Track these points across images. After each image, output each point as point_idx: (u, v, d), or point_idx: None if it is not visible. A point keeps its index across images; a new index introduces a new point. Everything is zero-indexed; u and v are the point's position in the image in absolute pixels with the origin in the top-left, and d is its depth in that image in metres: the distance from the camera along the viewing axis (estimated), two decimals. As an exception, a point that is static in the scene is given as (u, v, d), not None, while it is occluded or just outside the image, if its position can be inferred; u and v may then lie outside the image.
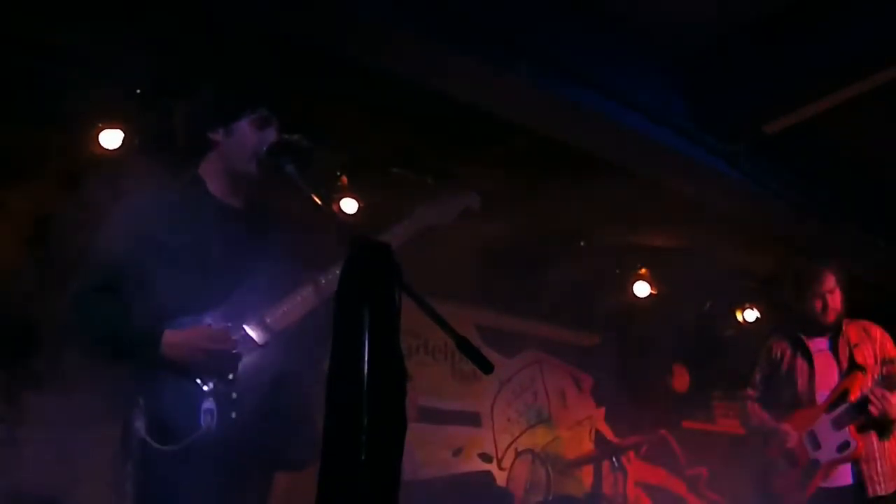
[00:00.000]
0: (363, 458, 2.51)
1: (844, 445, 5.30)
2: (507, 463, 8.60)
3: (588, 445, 9.19)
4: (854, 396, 5.33)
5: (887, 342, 5.58)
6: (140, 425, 3.16)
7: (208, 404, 3.19)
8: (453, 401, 8.40)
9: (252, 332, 3.35)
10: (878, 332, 5.62)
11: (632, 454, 8.65)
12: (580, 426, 9.32)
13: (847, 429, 5.31)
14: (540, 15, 5.74)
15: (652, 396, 9.04)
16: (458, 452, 8.32)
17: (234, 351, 3.28)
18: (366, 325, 2.60)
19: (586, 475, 7.97)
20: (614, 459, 6.93)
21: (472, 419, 8.63)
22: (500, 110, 5.95)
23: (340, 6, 4.85)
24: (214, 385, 3.23)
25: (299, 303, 3.44)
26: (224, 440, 3.17)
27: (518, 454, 8.51)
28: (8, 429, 6.04)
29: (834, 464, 5.33)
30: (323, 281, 3.46)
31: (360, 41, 5.15)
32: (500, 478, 8.41)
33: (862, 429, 5.31)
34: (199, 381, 3.23)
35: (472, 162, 5.83)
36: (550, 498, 7.68)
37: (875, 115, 6.17)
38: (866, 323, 5.67)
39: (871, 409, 5.20)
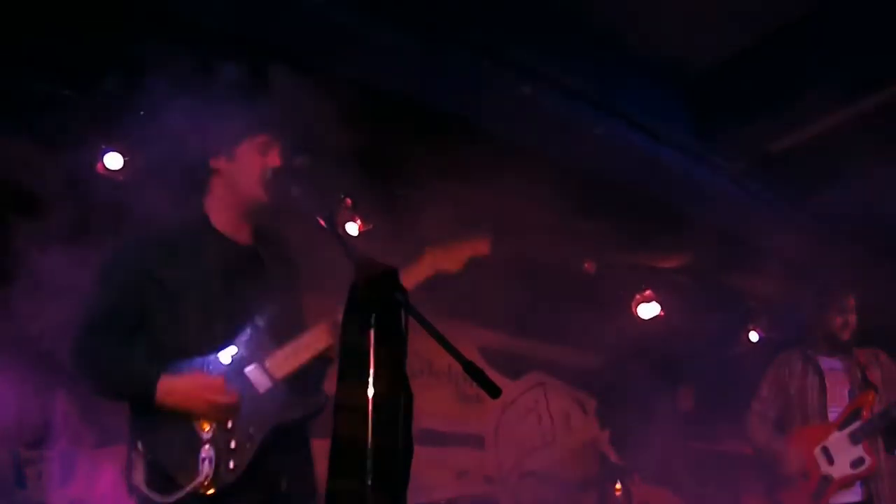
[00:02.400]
0: (370, 482, 2.49)
1: (859, 461, 5.38)
2: (511, 485, 8.56)
3: (593, 468, 9.16)
4: (867, 414, 5.42)
5: (893, 368, 5.70)
6: (138, 475, 3.13)
7: (206, 452, 3.15)
8: (457, 423, 8.38)
9: (253, 378, 3.31)
10: (884, 357, 5.75)
11: (636, 476, 8.62)
12: (584, 448, 9.29)
13: (861, 445, 5.39)
14: (544, 36, 5.75)
15: (656, 418, 9.01)
16: (462, 475, 8.29)
17: (232, 401, 3.24)
18: (372, 347, 2.58)
19: (591, 498, 7.94)
20: (618, 481, 6.91)
21: (476, 441, 8.60)
22: (504, 131, 5.95)
23: (347, 26, 4.87)
24: (213, 433, 3.19)
25: (304, 350, 3.40)
26: (224, 490, 3.14)
27: (522, 477, 8.48)
28: (12, 449, 6.02)
29: (847, 479, 5.40)
30: (332, 323, 3.41)
31: (366, 61, 5.16)
32: (505, 501, 8.38)
33: (873, 441, 5.41)
34: (197, 428, 3.19)
35: (477, 183, 5.83)
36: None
37: (879, 133, 6.17)
38: (874, 349, 5.79)
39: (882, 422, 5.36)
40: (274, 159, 3.50)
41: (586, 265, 8.06)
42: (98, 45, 4.68)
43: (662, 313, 8.65)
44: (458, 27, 5.32)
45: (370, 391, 2.56)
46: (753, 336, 8.93)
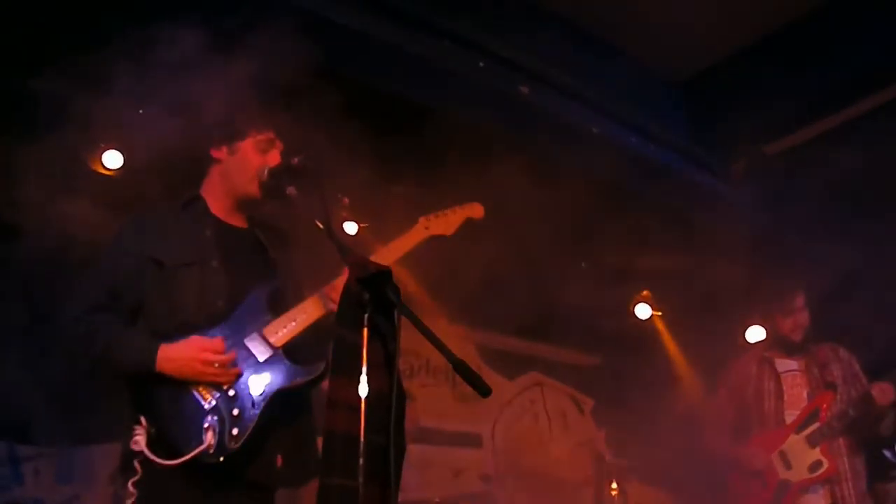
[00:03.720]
0: (361, 479, 2.52)
1: (816, 465, 5.25)
2: (507, 485, 8.57)
3: (589, 468, 9.16)
4: (825, 415, 5.29)
5: (853, 363, 5.53)
6: (140, 440, 3.15)
7: (209, 421, 3.18)
8: (454, 422, 8.37)
9: (253, 348, 3.35)
10: (845, 353, 5.58)
11: (632, 476, 8.62)
12: (581, 448, 9.29)
13: (818, 448, 5.26)
14: (541, 36, 5.78)
15: (652, 418, 9.00)
16: (458, 474, 8.29)
17: (232, 363, 3.27)
18: (365, 346, 2.61)
19: (587, 498, 7.94)
20: (615, 482, 6.91)
21: (473, 440, 8.60)
22: (502, 131, 5.97)
23: (357, 29, 4.91)
24: (216, 402, 3.23)
25: (301, 318, 3.44)
26: (229, 456, 3.17)
27: (518, 476, 8.49)
28: (9, 445, 6.03)
29: (804, 484, 5.26)
30: (325, 294, 3.46)
31: (369, 64, 5.20)
32: (501, 500, 8.38)
33: (832, 448, 5.26)
34: (199, 398, 3.23)
35: (474, 182, 5.84)
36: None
37: (875, 134, 6.19)
38: (833, 344, 5.63)
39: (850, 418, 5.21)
40: (274, 158, 3.54)
41: (583, 265, 8.09)
42: (104, 33, 4.69)
43: (658, 314, 8.68)
44: (455, 26, 5.35)
45: (363, 389, 2.59)
46: (756, 335, 8.92)
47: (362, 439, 2.55)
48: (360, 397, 2.58)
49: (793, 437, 5.36)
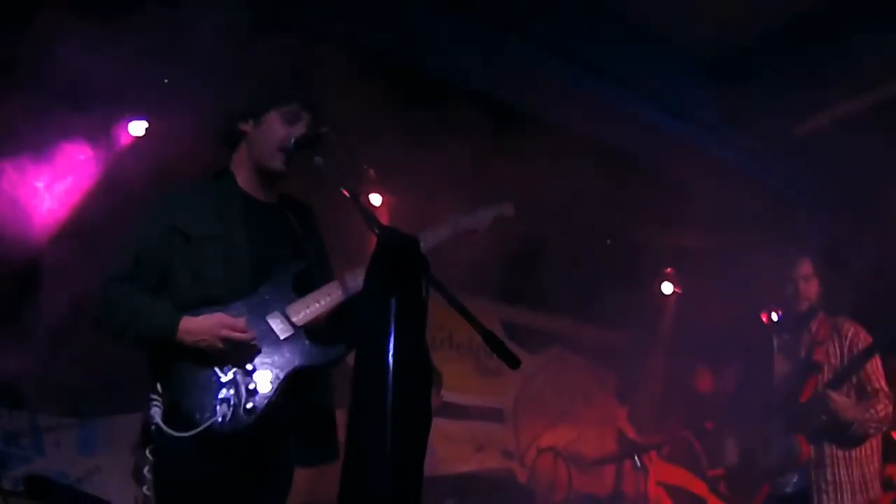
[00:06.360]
0: (387, 451, 2.50)
1: (790, 449, 5.00)
2: (528, 460, 8.57)
3: (610, 444, 9.16)
4: (805, 398, 5.02)
5: (859, 339, 5.10)
6: (156, 412, 3.16)
7: (225, 394, 3.19)
8: (476, 396, 8.39)
9: (275, 325, 3.35)
10: (850, 327, 5.15)
11: (654, 454, 8.61)
12: (603, 425, 9.29)
13: (795, 433, 5.00)
14: (573, 16, 5.75)
15: (675, 397, 8.99)
16: (480, 448, 8.31)
17: (251, 341, 3.27)
18: (392, 317, 2.58)
19: (608, 474, 7.92)
20: (636, 459, 6.89)
21: (495, 415, 8.62)
22: (531, 108, 5.95)
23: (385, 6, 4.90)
24: (233, 375, 3.23)
25: (325, 300, 3.43)
26: (242, 430, 3.17)
27: (540, 452, 8.48)
28: (31, 416, 6.06)
29: (780, 468, 5.07)
30: (350, 279, 3.44)
31: (398, 39, 5.18)
32: (522, 475, 8.39)
33: (814, 433, 4.96)
34: (217, 371, 3.23)
35: (502, 157, 5.82)
36: (571, 496, 7.64)
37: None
38: (840, 319, 5.23)
39: (817, 411, 4.89)
40: (300, 130, 3.52)
41: (608, 242, 8.07)
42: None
43: (683, 291, 8.65)
44: (490, 7, 5.33)
45: (390, 362, 2.56)
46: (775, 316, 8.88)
47: (388, 413, 2.53)
48: (386, 369, 2.56)
49: (775, 420, 5.14)
